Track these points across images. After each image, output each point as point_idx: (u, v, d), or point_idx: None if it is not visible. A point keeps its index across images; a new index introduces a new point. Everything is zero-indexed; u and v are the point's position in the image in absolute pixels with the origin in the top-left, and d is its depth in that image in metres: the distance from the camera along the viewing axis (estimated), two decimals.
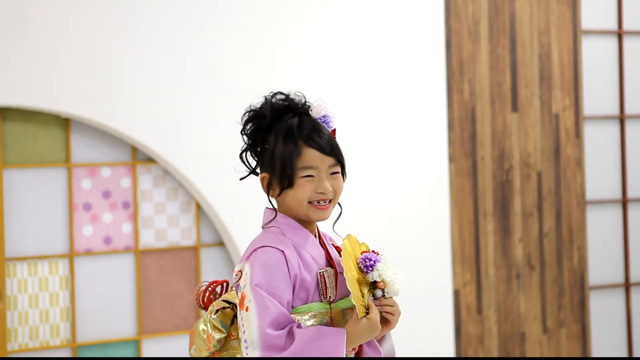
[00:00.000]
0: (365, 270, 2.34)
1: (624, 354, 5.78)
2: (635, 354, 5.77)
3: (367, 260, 2.35)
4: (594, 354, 5.65)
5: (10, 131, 4.51)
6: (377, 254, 2.37)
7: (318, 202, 2.37)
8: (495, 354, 5.35)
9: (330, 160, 2.37)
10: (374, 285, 2.34)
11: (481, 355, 5.33)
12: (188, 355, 4.80)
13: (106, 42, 4.52)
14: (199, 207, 4.83)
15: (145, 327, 4.75)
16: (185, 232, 4.82)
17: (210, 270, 4.86)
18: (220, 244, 4.88)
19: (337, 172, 2.40)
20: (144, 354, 4.74)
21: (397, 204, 5.11)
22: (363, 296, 2.30)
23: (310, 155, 2.35)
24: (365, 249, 2.41)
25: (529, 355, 5.44)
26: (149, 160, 4.75)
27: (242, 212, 4.69)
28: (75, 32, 4.47)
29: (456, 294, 5.27)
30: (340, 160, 2.40)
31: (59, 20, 4.43)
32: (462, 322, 5.29)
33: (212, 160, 4.69)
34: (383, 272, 2.33)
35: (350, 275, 2.30)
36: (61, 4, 4.44)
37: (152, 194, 4.76)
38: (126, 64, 4.55)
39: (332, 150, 2.37)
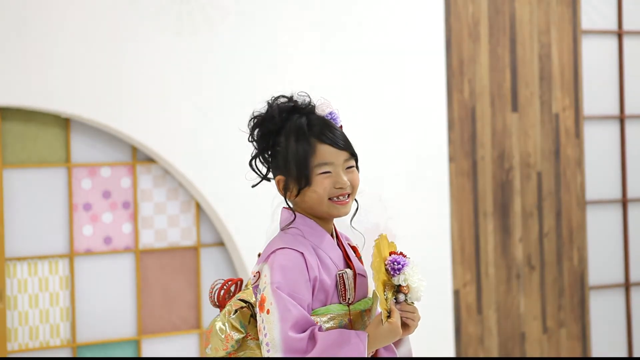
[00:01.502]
0: (392, 272, 2.32)
1: (624, 354, 5.78)
2: (635, 354, 5.77)
3: (395, 263, 2.33)
4: (594, 354, 5.65)
5: (10, 131, 4.51)
6: (406, 257, 2.36)
7: (338, 198, 2.36)
8: (495, 354, 5.35)
9: (344, 154, 2.36)
10: (397, 289, 2.32)
11: (481, 355, 5.33)
12: (188, 355, 4.80)
13: (106, 42, 4.52)
14: (199, 207, 4.83)
15: (145, 327, 4.75)
16: (185, 232, 4.82)
17: (210, 270, 4.86)
18: (220, 244, 4.88)
19: (352, 166, 2.39)
20: (144, 354, 4.74)
21: (397, 204, 5.10)
22: (386, 299, 2.29)
23: (325, 152, 2.34)
24: (393, 249, 2.40)
25: (529, 355, 5.44)
26: (149, 160, 4.74)
27: (242, 212, 4.69)
28: (75, 32, 4.46)
29: (456, 294, 5.27)
30: (353, 154, 2.39)
31: (59, 21, 4.43)
32: (462, 322, 5.29)
33: (212, 160, 4.69)
34: (409, 277, 2.31)
35: (378, 278, 2.29)
36: (61, 4, 4.44)
37: (152, 194, 4.76)
38: (126, 64, 4.55)
39: (346, 144, 2.37)
